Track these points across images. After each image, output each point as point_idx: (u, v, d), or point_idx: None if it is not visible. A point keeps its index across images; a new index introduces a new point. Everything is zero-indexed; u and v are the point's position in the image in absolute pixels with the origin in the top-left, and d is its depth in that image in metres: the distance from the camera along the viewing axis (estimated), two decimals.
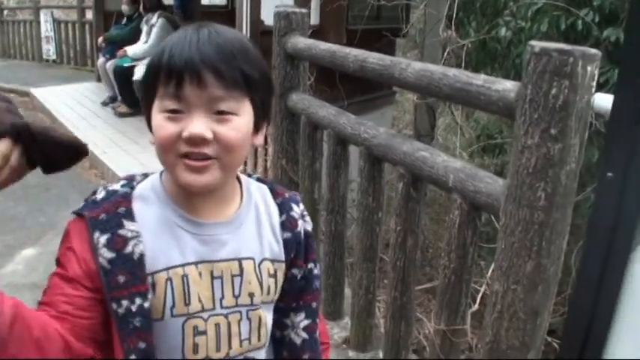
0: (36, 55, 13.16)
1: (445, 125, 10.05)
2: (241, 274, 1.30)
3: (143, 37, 7.95)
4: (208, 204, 1.27)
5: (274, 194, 1.42)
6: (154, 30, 7.65)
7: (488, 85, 1.82)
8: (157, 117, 1.17)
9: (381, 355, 2.86)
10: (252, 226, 1.34)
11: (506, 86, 1.76)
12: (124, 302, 1.19)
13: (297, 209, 1.42)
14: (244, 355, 1.34)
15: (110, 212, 1.22)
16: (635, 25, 1.15)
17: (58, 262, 1.23)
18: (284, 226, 1.38)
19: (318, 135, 3.16)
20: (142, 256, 1.21)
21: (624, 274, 1.17)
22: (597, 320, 1.24)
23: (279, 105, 3.29)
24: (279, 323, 1.42)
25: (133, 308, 1.19)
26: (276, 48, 3.23)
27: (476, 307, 4.35)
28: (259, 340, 1.35)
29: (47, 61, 13.04)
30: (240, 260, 1.30)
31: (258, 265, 1.33)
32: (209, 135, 1.15)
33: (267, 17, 5.42)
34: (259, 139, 1.30)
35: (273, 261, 1.35)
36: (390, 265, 2.52)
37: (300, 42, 3.08)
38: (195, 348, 1.27)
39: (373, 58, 2.46)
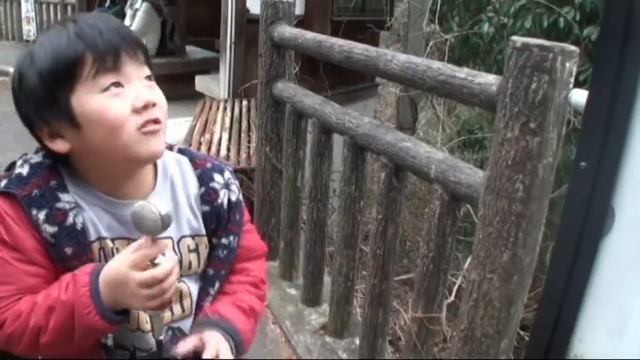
0: (16, 35, 12.98)
1: (426, 120, 10.10)
2: None
3: (127, 21, 7.88)
4: (124, 182, 1.29)
5: (194, 165, 1.41)
6: (138, 14, 7.60)
7: (471, 79, 1.86)
8: (97, 99, 1.17)
9: (357, 342, 2.90)
10: (168, 204, 1.32)
11: (488, 80, 1.80)
12: None
13: (221, 178, 1.41)
14: (169, 325, 1.36)
15: (42, 187, 1.23)
16: (610, 20, 1.20)
17: (2, 245, 1.21)
18: (202, 199, 1.38)
19: (303, 123, 3.19)
20: (83, 225, 1.24)
21: (594, 261, 1.23)
22: (567, 306, 1.29)
23: (264, 93, 3.32)
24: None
25: None
26: (262, 36, 3.25)
27: (451, 298, 4.41)
28: (183, 311, 1.38)
29: (28, 41, 12.83)
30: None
31: (177, 243, 1.35)
32: (156, 100, 1.22)
33: (253, 6, 5.43)
34: None
35: (193, 236, 1.37)
36: (370, 254, 2.56)
37: (287, 31, 3.11)
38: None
39: (359, 49, 2.49)
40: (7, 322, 1.19)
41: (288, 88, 3.19)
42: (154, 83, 1.25)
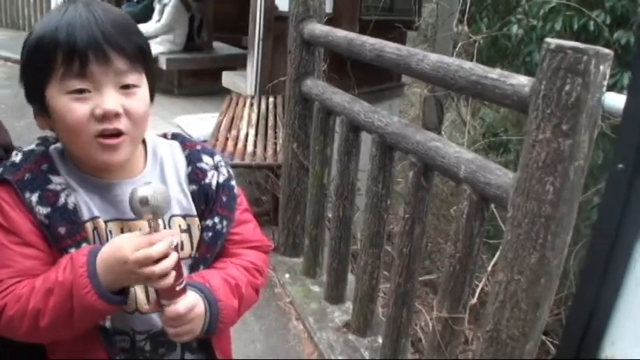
0: None
1: (450, 122, 10.05)
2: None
3: (155, 15, 7.93)
4: (107, 168, 1.30)
5: (183, 147, 1.43)
6: (167, 9, 7.63)
7: (504, 80, 1.85)
8: (62, 100, 1.19)
9: (380, 341, 2.91)
10: (151, 189, 1.31)
11: (521, 81, 1.79)
12: (72, 250, 1.24)
13: (210, 160, 1.42)
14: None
15: (34, 171, 1.26)
16: None
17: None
18: (190, 178, 1.39)
19: (331, 121, 3.21)
20: (75, 205, 1.26)
21: (628, 264, 1.22)
22: (599, 308, 1.29)
23: (293, 89, 3.34)
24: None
25: None
26: (292, 33, 3.27)
27: (474, 300, 4.39)
28: None
29: None
30: (149, 222, 1.30)
31: (168, 223, 1.35)
32: (121, 110, 1.20)
33: (281, 3, 5.45)
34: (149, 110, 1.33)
35: (184, 216, 1.38)
36: (396, 253, 2.56)
37: (317, 28, 3.12)
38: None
39: (390, 47, 2.50)
40: (7, 307, 1.21)
41: (317, 86, 3.20)
42: (135, 90, 1.23)
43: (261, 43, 5.55)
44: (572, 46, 1.57)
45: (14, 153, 1.31)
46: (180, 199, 1.38)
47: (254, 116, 4.87)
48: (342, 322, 3.16)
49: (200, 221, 1.39)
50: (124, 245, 1.17)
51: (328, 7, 5.64)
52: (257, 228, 1.54)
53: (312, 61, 3.29)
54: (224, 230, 1.41)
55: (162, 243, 1.17)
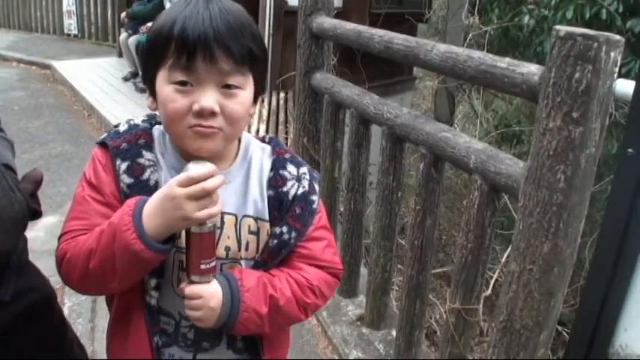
0: (57, 29, 13.15)
1: (463, 114, 10.03)
2: (222, 227, 1.34)
3: None
4: (205, 157, 1.30)
5: (273, 152, 1.44)
6: None
7: (513, 68, 1.84)
8: (166, 88, 1.23)
9: (394, 334, 2.90)
10: (240, 181, 1.38)
11: (531, 69, 1.78)
12: None
13: (295, 170, 1.42)
14: None
15: (131, 142, 1.34)
16: None
17: (88, 185, 1.34)
18: (270, 183, 1.40)
19: (341, 114, 3.20)
20: (157, 183, 1.31)
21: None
22: (612, 295, 1.28)
23: (302, 83, 3.33)
24: None
25: None
26: (301, 27, 3.27)
27: (488, 292, 4.39)
28: None
29: (68, 35, 13.01)
30: (223, 214, 1.34)
31: (239, 222, 1.37)
32: (217, 109, 1.22)
33: None
34: (253, 109, 1.37)
35: (256, 219, 1.38)
36: (408, 245, 2.56)
37: (326, 22, 3.11)
38: (179, 281, 1.34)
39: (398, 39, 2.49)
40: (69, 251, 1.28)
41: (327, 79, 3.19)
42: (237, 92, 1.25)
43: (271, 38, 5.55)
44: (582, 32, 1.55)
45: (122, 123, 1.40)
46: (256, 200, 1.39)
47: (265, 112, 4.88)
48: (355, 315, 3.16)
49: (270, 227, 1.40)
50: (173, 182, 1.20)
51: (337, 2, 5.65)
52: (330, 249, 1.51)
53: (321, 55, 3.29)
54: (291, 241, 1.40)
55: (215, 179, 1.19)
